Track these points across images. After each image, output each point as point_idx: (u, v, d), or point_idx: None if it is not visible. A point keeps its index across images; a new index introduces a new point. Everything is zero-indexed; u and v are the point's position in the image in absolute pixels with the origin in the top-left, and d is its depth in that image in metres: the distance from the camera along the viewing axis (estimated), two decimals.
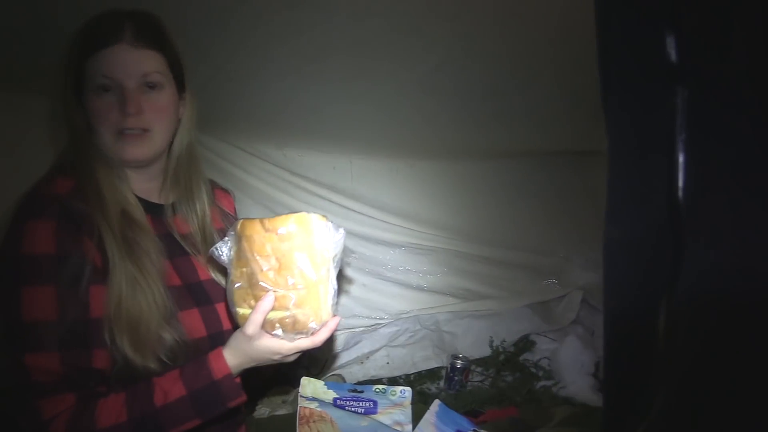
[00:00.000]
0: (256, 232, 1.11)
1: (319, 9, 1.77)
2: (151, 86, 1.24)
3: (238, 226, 1.14)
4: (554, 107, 2.47)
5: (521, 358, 2.95)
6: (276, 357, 1.17)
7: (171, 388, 1.13)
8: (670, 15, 0.57)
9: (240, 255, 1.13)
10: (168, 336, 1.18)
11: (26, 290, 1.09)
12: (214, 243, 1.30)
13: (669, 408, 0.59)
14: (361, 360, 2.93)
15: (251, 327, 1.11)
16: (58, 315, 1.09)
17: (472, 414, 2.30)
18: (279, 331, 1.13)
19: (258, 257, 1.10)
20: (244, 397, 1.19)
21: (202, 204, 1.39)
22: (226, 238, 1.16)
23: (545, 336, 3.05)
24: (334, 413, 1.59)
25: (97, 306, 1.13)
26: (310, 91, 2.33)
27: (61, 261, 1.10)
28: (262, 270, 1.10)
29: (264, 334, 1.13)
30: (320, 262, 1.13)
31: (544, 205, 3.33)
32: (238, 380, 1.18)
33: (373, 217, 3.16)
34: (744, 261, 0.57)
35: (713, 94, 0.56)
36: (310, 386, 1.63)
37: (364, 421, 1.59)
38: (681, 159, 0.56)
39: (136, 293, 1.16)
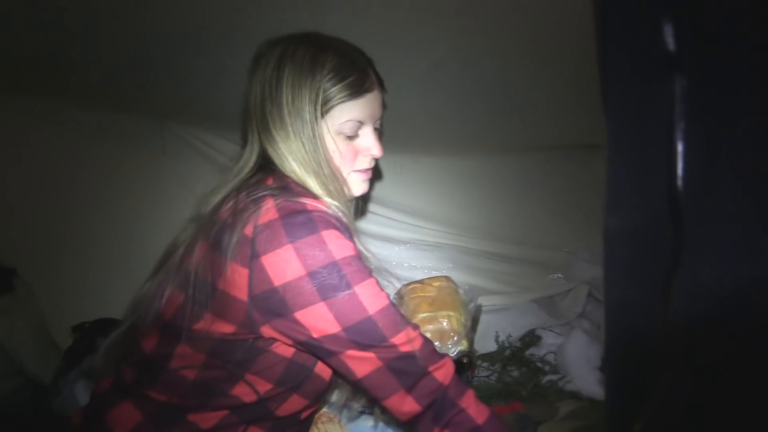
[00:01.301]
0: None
1: (322, 6, 1.77)
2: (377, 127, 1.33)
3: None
4: (559, 101, 2.46)
5: (527, 352, 2.94)
6: None
7: None
8: (668, 3, 0.57)
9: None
10: None
11: (358, 288, 1.13)
12: None
13: (671, 398, 0.59)
14: None
15: None
16: (387, 299, 1.18)
17: None
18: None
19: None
20: None
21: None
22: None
23: (551, 330, 3.04)
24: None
25: None
26: None
27: (361, 258, 1.19)
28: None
29: None
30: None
31: (549, 200, 3.32)
32: None
33: (377, 214, 3.16)
34: (745, 249, 0.57)
35: (712, 82, 0.56)
36: None
37: (371, 421, 1.59)
38: (680, 148, 0.56)
39: None
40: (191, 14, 1.71)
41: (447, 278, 1.48)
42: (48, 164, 2.61)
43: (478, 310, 1.50)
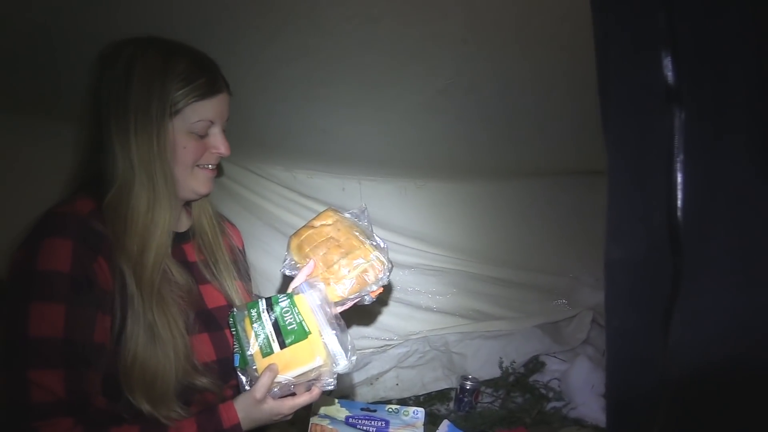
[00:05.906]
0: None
1: (327, 34, 1.80)
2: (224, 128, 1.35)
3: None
4: (563, 127, 2.48)
5: (531, 379, 2.93)
6: (276, 418, 1.22)
7: (185, 429, 1.15)
8: (667, 37, 0.58)
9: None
10: (196, 381, 1.20)
11: (35, 306, 1.08)
12: (228, 270, 1.40)
13: (671, 426, 0.59)
14: (370, 381, 2.93)
15: (260, 391, 1.16)
16: (64, 334, 1.09)
17: None
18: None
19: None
20: None
21: (215, 232, 1.42)
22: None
23: (555, 357, 3.03)
24: (346, 431, 1.59)
25: (100, 331, 1.13)
26: (318, 113, 2.35)
27: (75, 281, 1.10)
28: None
29: (269, 398, 1.17)
30: None
31: (553, 226, 3.33)
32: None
33: (382, 238, 3.16)
34: (744, 279, 0.58)
35: (710, 115, 0.57)
36: (323, 404, 1.64)
37: None
38: (679, 179, 0.57)
39: (155, 346, 1.16)
40: (199, 39, 1.73)
41: (332, 211, 1.41)
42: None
43: (367, 215, 1.42)
